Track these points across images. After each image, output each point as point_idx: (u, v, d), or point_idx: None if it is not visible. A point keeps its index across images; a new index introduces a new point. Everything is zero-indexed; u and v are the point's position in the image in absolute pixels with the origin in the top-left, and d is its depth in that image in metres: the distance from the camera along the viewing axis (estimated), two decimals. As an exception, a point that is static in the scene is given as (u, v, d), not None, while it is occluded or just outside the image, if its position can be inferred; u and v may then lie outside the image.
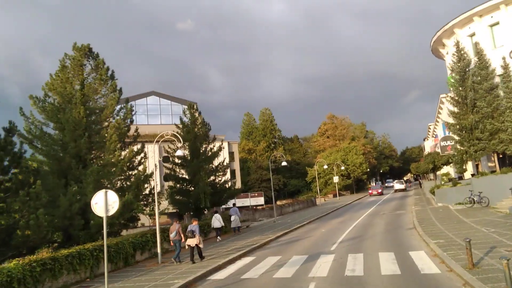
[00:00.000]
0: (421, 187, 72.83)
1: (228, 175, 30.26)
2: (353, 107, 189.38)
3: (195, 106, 27.76)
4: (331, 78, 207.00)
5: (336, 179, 54.05)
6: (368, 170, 70.68)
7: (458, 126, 26.28)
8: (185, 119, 27.53)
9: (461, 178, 33.17)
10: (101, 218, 17.63)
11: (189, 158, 26.28)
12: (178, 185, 26.48)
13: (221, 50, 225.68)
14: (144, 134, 54.85)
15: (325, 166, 50.02)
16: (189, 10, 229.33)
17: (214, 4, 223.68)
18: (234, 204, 27.76)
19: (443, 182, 33.85)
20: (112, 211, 10.06)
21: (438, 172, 53.52)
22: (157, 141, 17.27)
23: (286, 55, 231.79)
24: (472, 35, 31.32)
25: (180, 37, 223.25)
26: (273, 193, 31.20)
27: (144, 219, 32.96)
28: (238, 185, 65.89)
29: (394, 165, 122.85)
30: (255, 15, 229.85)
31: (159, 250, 15.17)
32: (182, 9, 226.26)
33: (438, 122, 54.61)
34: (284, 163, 31.13)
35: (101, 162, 17.39)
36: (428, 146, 75.22)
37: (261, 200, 36.31)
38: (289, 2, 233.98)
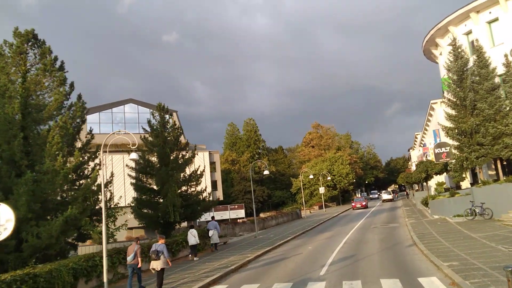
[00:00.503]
0: (408, 197, 70.77)
1: (204, 185, 27.15)
2: (337, 119, 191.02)
3: (165, 107, 24.72)
4: (315, 90, 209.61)
5: (322, 190, 51.42)
6: (354, 180, 68.26)
7: (457, 130, 23.88)
8: (154, 122, 24.46)
9: (458, 187, 30.81)
10: (39, 238, 14.54)
11: (157, 165, 23.17)
12: (144, 197, 23.27)
13: (206, 63, 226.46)
14: (121, 144, 51.65)
15: (311, 176, 47.39)
16: (174, 23, 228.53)
17: (199, 17, 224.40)
18: (212, 218, 24.63)
19: (437, 192, 31.47)
20: (4, 234, 6.95)
21: (429, 182, 51.39)
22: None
23: (270, 68, 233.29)
24: (469, 33, 29.26)
25: (165, 49, 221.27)
26: (254, 205, 28.18)
27: (120, 235, 29.64)
28: (220, 196, 62.70)
29: (379, 176, 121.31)
30: (239, 28, 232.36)
31: (105, 279, 11.97)
32: (167, 21, 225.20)
33: (427, 130, 52.67)
34: (266, 172, 28.23)
35: (40, 169, 14.15)
36: (415, 155, 73.43)
37: (241, 213, 33.25)
38: (273, 15, 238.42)
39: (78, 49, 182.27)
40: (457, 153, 23.74)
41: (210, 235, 22.92)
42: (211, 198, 26.84)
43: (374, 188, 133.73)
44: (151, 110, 68.91)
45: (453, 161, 24.93)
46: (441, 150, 30.42)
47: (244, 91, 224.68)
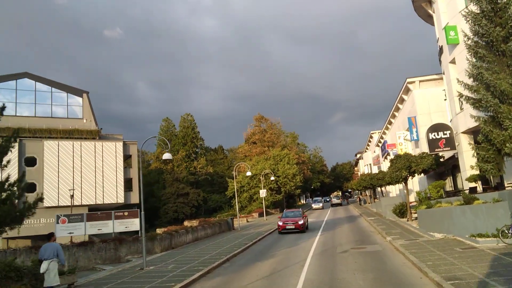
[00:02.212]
0: (361, 204, 62.38)
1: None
2: (284, 125, 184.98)
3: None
4: (262, 96, 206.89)
5: (263, 193, 40.60)
6: (302, 184, 58.51)
7: (489, 93, 13.88)
8: None
9: (456, 192, 21.30)
10: None
11: None
12: None
13: (151, 62, 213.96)
14: (5, 127, 37.49)
15: (248, 173, 36.47)
16: (118, 18, 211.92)
17: (145, 14, 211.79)
18: (50, 236, 12.63)
19: (431, 197, 21.80)
20: None
21: (394, 186, 42.46)
22: None
23: (217, 71, 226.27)
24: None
25: (107, 45, 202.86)
26: (141, 213, 15.93)
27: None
28: (135, 199, 49.81)
29: (326, 181, 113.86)
30: (187, 29, 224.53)
31: None
32: (111, 16, 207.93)
33: (391, 124, 43.93)
34: (167, 156, 16.59)
35: None
36: (370, 158, 65.41)
37: (134, 224, 21.28)
38: (222, 18, 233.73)
39: (7, 38, 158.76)
40: (491, 129, 13.80)
41: (42, 270, 11.09)
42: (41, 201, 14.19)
43: (319, 194, 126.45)
44: (51, 88, 54.76)
45: (481, 144, 14.92)
46: (438, 135, 20.75)
47: (190, 93, 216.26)
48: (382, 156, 49.84)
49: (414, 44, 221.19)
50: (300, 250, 18.09)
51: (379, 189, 53.90)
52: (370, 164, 65.34)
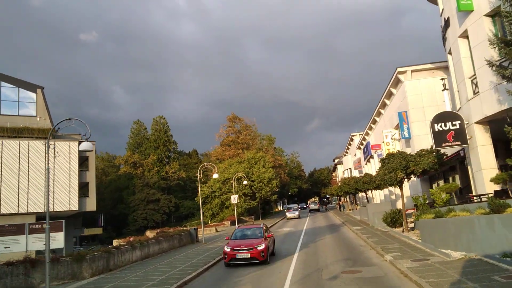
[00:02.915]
0: (342, 210, 58.59)
1: None
2: (260, 129, 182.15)
3: None
4: (239, 101, 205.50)
5: (234, 199, 35.96)
6: (278, 189, 54.13)
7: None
8: None
9: (468, 198, 17.32)
10: None
11: None
12: None
13: (127, 66, 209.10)
14: None
15: (215, 175, 31.62)
16: (94, 22, 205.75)
17: (122, 18, 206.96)
18: None
19: (436, 202, 17.73)
20: None
21: (378, 192, 38.70)
22: None
23: (194, 76, 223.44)
24: None
25: (83, 48, 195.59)
26: (48, 227, 11.12)
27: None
28: (92, 206, 44.24)
29: (303, 187, 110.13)
30: (165, 34, 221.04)
31: None
32: (87, 19, 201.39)
33: (375, 124, 40.23)
34: (86, 145, 11.98)
35: None
36: (350, 162, 61.84)
37: (58, 240, 16.27)
38: (199, 24, 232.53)
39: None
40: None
41: None
42: None
43: (296, 201, 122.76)
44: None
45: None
46: (446, 126, 16.77)
47: (166, 98, 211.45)
48: (365, 159, 46.16)
49: (390, 51, 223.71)
50: (273, 275, 13.62)
51: (360, 194, 50.27)
52: (350, 168, 61.76)
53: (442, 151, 19.33)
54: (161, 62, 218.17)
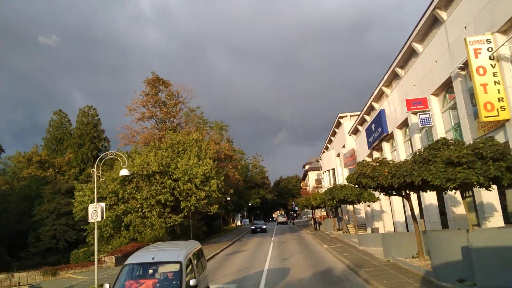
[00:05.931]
0: (317, 228, 39.56)
1: None
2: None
3: None
4: (206, 112, 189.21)
5: (97, 211, 15.88)
6: (225, 197, 34.40)
7: None
8: None
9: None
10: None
11: None
12: None
13: (88, 71, 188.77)
14: None
15: (124, 171, 12.78)
16: (54, 25, 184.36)
17: (83, 22, 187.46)
18: None
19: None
20: None
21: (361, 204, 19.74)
22: None
23: None
24: None
25: (41, 51, 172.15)
26: None
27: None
28: None
29: (267, 197, 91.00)
30: (128, 40, 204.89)
31: None
32: (46, 22, 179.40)
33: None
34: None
35: None
36: (333, 160, 43.20)
37: None
38: (165, 31, 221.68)
39: None
40: None
41: None
42: None
43: (259, 214, 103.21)
44: None
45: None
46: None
47: (129, 104, 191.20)
48: (372, 143, 27.62)
49: (354, 64, 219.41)
50: None
51: (349, 207, 31.97)
52: (333, 169, 43.19)
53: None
54: (125, 68, 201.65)
